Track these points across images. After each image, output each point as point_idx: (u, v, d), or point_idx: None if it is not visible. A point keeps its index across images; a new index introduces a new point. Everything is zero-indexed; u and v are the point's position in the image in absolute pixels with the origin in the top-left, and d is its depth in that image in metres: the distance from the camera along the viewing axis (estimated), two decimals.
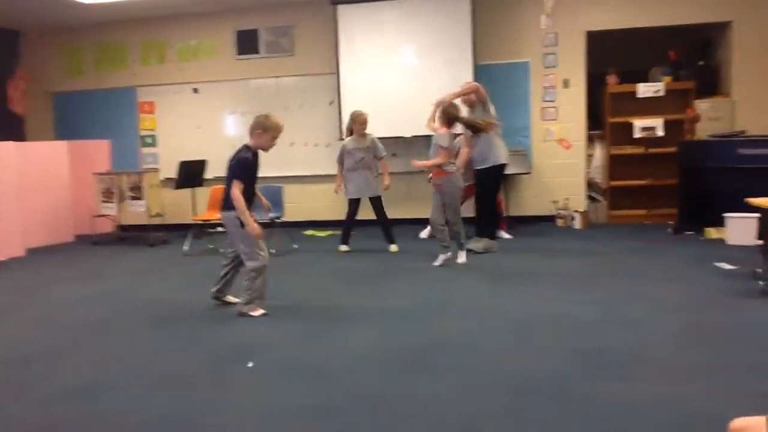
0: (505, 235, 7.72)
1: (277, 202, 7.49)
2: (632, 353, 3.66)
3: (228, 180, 4.69)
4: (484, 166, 6.77)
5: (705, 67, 8.82)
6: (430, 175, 6.44)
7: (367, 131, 7.23)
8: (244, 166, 4.68)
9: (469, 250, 6.56)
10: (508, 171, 8.28)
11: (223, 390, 3.40)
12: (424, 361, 3.69)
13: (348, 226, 7.35)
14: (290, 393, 3.32)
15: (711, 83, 8.75)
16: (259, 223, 4.71)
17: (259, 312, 4.73)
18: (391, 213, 8.88)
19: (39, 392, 3.48)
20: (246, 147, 4.75)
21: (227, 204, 4.71)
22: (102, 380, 3.61)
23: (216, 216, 7.61)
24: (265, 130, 4.70)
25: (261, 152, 4.83)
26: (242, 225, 4.66)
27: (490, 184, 6.87)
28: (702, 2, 8.24)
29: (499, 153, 6.78)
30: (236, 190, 4.61)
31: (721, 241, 6.91)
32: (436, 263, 6.24)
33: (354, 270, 6.32)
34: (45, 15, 9.11)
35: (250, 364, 3.72)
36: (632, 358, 3.58)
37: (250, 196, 4.79)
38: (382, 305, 4.95)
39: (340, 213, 8.67)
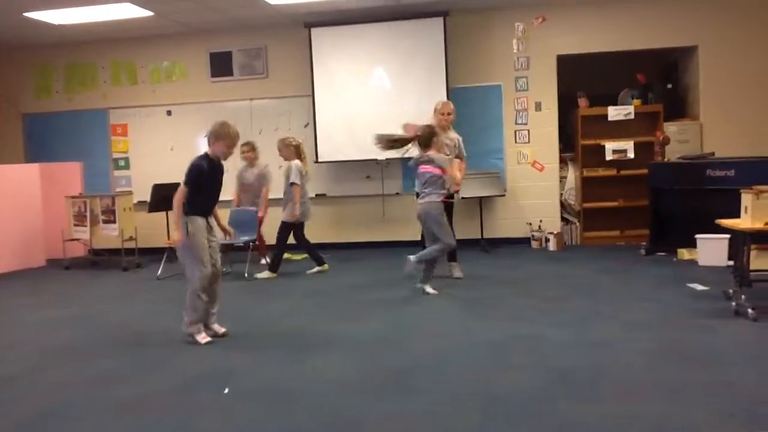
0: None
1: (252, 225, 7.45)
2: (605, 373, 3.69)
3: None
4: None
5: (673, 91, 9.01)
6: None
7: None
8: (195, 173, 4.59)
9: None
10: (483, 193, 8.42)
11: (190, 416, 3.36)
12: (397, 383, 3.69)
13: (312, 247, 7.37)
14: (261, 418, 3.29)
15: (679, 106, 8.94)
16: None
17: (206, 340, 4.63)
18: (368, 236, 8.94)
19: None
20: (204, 154, 4.70)
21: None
22: (64, 406, 3.56)
23: None
24: (218, 138, 4.65)
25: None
26: (188, 235, 4.57)
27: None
28: (668, 27, 8.43)
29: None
30: (178, 194, 4.56)
31: (693, 261, 7.01)
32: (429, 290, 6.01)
33: (327, 293, 6.29)
34: (14, 35, 9.03)
35: (226, 390, 3.68)
36: (605, 379, 3.61)
37: (207, 207, 4.72)
38: (356, 328, 4.94)
39: (316, 236, 8.68)
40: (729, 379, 3.54)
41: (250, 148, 7.71)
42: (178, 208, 4.56)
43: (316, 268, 7.36)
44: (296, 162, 7.09)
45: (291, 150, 7.15)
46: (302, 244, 7.33)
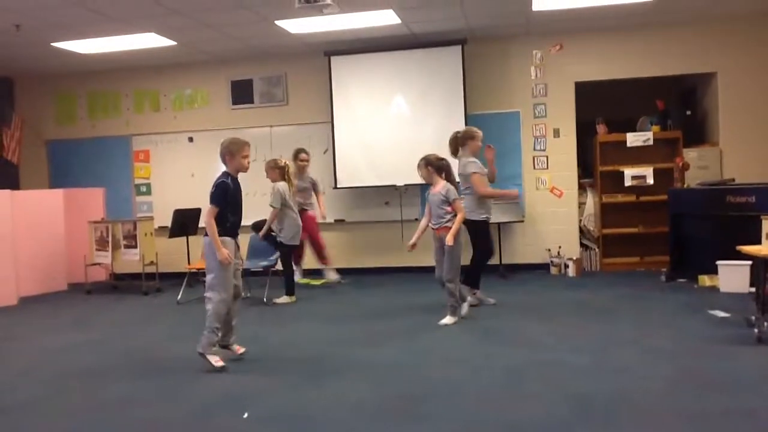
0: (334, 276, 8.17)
1: (270, 251, 7.48)
2: (624, 401, 3.65)
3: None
4: (475, 218, 6.40)
5: (692, 117, 8.99)
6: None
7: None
8: (221, 192, 4.66)
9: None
10: (502, 219, 8.41)
11: None
12: (415, 409, 3.68)
13: (292, 274, 7.38)
14: None
15: (698, 132, 8.91)
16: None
17: (220, 364, 4.59)
18: (386, 261, 8.96)
19: None
20: (225, 173, 4.76)
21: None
22: (83, 431, 3.57)
23: None
24: (234, 153, 4.72)
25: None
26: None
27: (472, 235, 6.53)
28: (687, 54, 8.44)
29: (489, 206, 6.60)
30: (209, 215, 4.62)
31: (714, 288, 6.94)
32: (445, 322, 5.79)
33: (345, 318, 6.30)
34: (39, 63, 9.24)
35: (246, 415, 3.69)
36: (624, 406, 3.57)
37: (234, 225, 4.77)
38: (373, 354, 4.93)
39: (335, 261, 8.69)
40: (750, 407, 3.49)
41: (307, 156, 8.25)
42: (212, 227, 4.61)
43: (284, 298, 7.24)
44: (280, 184, 7.07)
45: (277, 172, 7.14)
46: (285, 267, 7.25)
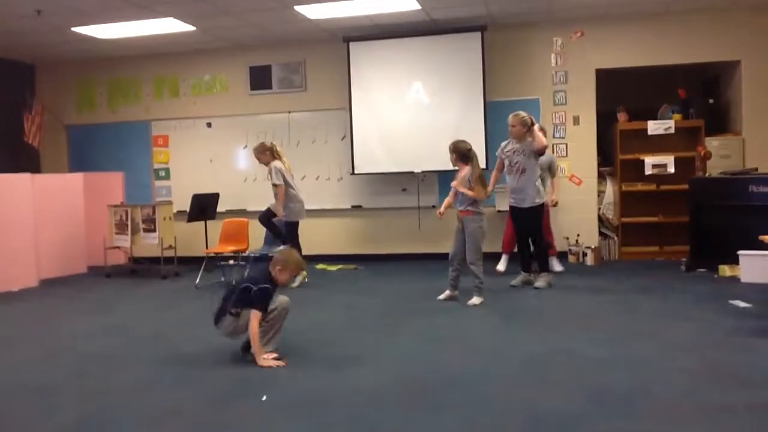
0: (558, 267, 7.74)
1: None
2: (644, 392, 3.62)
3: (242, 301, 4.43)
4: (536, 203, 6.65)
5: (715, 105, 8.87)
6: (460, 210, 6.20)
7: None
8: (266, 297, 4.45)
9: (536, 288, 6.66)
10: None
11: (225, 426, 3.38)
12: (434, 397, 3.68)
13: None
14: (296, 430, 3.31)
15: (721, 121, 8.79)
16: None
17: (273, 357, 4.49)
18: (403, 248, 8.94)
19: (40, 426, 3.48)
20: (270, 279, 4.52)
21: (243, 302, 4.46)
22: (103, 414, 3.60)
23: (228, 249, 7.69)
24: (285, 267, 4.53)
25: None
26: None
27: (540, 219, 6.80)
28: (710, 42, 8.32)
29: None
30: (255, 323, 4.36)
31: (734, 278, 6.87)
32: (474, 302, 6.03)
33: (364, 306, 6.30)
34: (60, 49, 9.30)
35: (264, 398, 3.71)
36: (644, 398, 3.55)
37: None
38: (392, 340, 4.94)
39: (352, 247, 8.71)
40: None
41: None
42: (257, 335, 4.35)
43: (297, 279, 7.21)
44: (275, 163, 7.27)
45: (267, 154, 7.36)
46: (292, 246, 7.21)
